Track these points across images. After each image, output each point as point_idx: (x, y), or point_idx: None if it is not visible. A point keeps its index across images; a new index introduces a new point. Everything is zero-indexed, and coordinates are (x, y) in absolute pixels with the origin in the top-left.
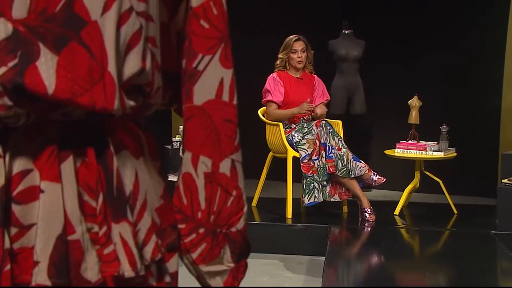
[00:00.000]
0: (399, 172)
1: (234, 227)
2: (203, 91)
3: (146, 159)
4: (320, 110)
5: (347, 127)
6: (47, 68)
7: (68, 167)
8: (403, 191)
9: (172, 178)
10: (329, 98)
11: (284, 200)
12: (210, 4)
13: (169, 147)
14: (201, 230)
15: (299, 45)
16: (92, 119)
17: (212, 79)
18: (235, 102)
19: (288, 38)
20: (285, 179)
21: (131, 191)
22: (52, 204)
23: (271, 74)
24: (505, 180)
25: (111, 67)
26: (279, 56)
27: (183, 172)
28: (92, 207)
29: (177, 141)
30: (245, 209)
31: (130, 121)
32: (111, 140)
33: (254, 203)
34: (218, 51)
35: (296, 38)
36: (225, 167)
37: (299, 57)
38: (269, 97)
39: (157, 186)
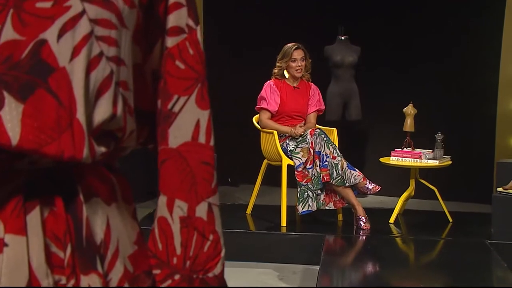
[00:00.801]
0: (395, 178)
1: (211, 272)
2: (178, 133)
3: (119, 204)
4: (300, 130)
5: (343, 133)
6: (11, 117)
7: (34, 218)
8: (399, 197)
9: None
10: (323, 108)
11: (279, 207)
12: (186, 44)
13: None
14: (177, 277)
15: (298, 54)
16: (61, 166)
17: (188, 121)
18: (212, 143)
19: (287, 46)
20: (280, 185)
21: (102, 240)
22: (16, 258)
23: (268, 81)
24: (500, 189)
25: (80, 114)
26: (278, 64)
27: (158, 216)
28: (60, 258)
29: None
30: (223, 253)
31: (102, 167)
32: (81, 188)
33: (248, 210)
34: (194, 92)
35: (296, 46)
36: (201, 211)
37: (298, 66)
38: (263, 105)
39: (130, 232)
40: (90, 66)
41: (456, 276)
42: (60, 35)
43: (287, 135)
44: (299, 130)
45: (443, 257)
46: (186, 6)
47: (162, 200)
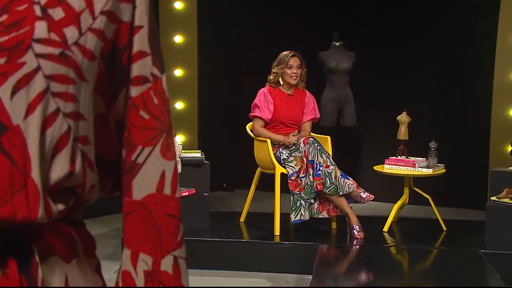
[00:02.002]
0: (390, 184)
1: None
2: (142, 185)
3: (80, 260)
4: (293, 139)
5: (337, 139)
6: None
7: None
8: (394, 202)
9: None
10: (318, 116)
11: (273, 215)
12: (150, 93)
13: None
14: None
15: (294, 61)
16: (16, 226)
17: (152, 172)
18: (177, 195)
19: (283, 53)
20: (274, 190)
21: None
22: None
23: (262, 89)
24: (493, 198)
25: (35, 174)
26: (273, 70)
27: (122, 270)
28: None
29: None
30: None
31: (61, 223)
32: (37, 247)
33: (242, 218)
34: (159, 143)
35: (292, 54)
36: (166, 264)
37: (294, 73)
38: (257, 113)
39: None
40: (46, 123)
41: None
42: (13, 92)
43: (280, 143)
44: (292, 139)
45: (436, 267)
46: (151, 55)
47: (126, 253)
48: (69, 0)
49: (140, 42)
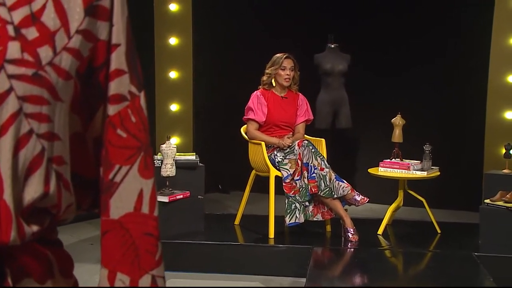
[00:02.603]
0: (385, 185)
1: None
2: (120, 204)
3: (56, 280)
4: (287, 141)
5: (332, 141)
6: None
7: None
8: (389, 204)
9: None
10: (312, 118)
11: (267, 217)
12: (128, 112)
13: None
14: None
15: (288, 63)
16: None
17: (130, 191)
18: (155, 213)
19: (277, 55)
20: (269, 192)
21: None
22: None
23: (255, 92)
24: (487, 200)
25: (7, 195)
26: (267, 71)
27: None
28: None
29: (158, 160)
30: None
31: (35, 243)
32: (10, 270)
33: (237, 221)
34: (136, 161)
35: (286, 55)
36: (144, 283)
37: (287, 74)
38: (251, 116)
39: None
40: (19, 145)
41: None
42: None
43: (275, 146)
44: (286, 141)
45: (430, 270)
46: (129, 73)
47: (104, 273)
48: (44, 20)
49: (118, 60)
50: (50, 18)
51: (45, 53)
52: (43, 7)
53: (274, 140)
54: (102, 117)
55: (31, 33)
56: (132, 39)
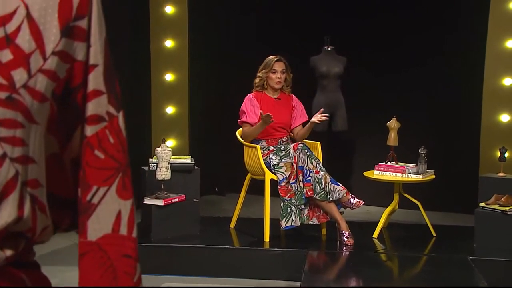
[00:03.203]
0: (381, 188)
1: None
2: (98, 226)
3: None
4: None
5: (329, 144)
6: None
7: None
8: (386, 206)
9: (148, 201)
10: (307, 119)
11: (263, 220)
12: (106, 133)
13: (145, 168)
14: None
15: (279, 66)
16: None
17: (108, 213)
18: (134, 235)
19: (269, 58)
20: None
21: None
22: None
23: (248, 95)
24: (482, 204)
25: None
26: (258, 74)
27: None
28: None
29: (153, 163)
30: None
31: (9, 267)
32: None
33: (232, 224)
34: (115, 182)
35: (277, 58)
36: None
37: (278, 77)
38: (244, 118)
39: None
40: None
41: None
42: None
43: (270, 149)
44: (264, 117)
45: (425, 274)
46: (107, 93)
47: None
48: (19, 42)
49: (95, 80)
50: (25, 40)
51: (19, 75)
52: (18, 28)
53: (258, 124)
54: (80, 138)
55: (5, 55)
56: (110, 59)
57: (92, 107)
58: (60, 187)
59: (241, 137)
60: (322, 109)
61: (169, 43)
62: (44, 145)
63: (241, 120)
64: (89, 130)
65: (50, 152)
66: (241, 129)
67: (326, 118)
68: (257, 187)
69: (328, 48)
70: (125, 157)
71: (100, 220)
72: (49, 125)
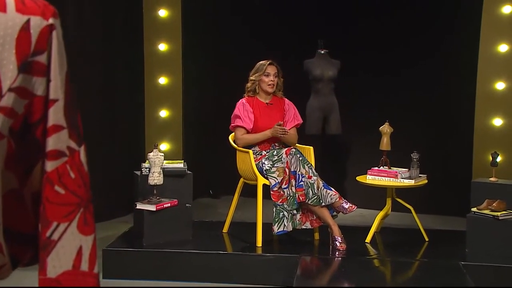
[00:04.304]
0: (375, 191)
1: None
2: (58, 263)
3: None
4: (280, 130)
5: (323, 147)
6: None
7: None
8: (380, 209)
9: (140, 206)
10: (301, 122)
11: (256, 225)
12: (66, 168)
13: (138, 173)
14: None
15: (272, 69)
16: None
17: (68, 249)
18: (96, 270)
19: (260, 62)
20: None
21: None
22: None
23: (240, 100)
24: (474, 209)
25: None
26: (251, 78)
27: None
28: None
29: (146, 168)
30: None
31: None
32: None
33: (225, 229)
34: (75, 218)
35: (270, 62)
36: None
37: (271, 80)
38: (238, 123)
39: None
40: None
41: None
42: None
43: (263, 153)
44: (278, 128)
45: (416, 280)
46: (67, 128)
47: None
48: None
49: (56, 115)
50: None
51: None
52: None
53: (267, 132)
54: (40, 173)
55: None
56: (72, 93)
57: (52, 142)
58: (20, 222)
59: (235, 141)
60: (280, 122)
61: (162, 47)
62: (1, 182)
63: (235, 124)
64: (49, 166)
65: (8, 188)
66: (233, 133)
67: (285, 132)
68: (251, 189)
69: (322, 52)
70: (86, 191)
71: (60, 256)
72: (6, 161)
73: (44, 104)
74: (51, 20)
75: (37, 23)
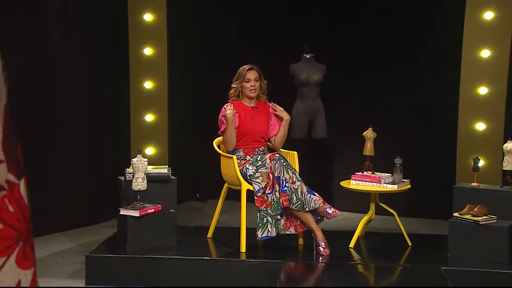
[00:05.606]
0: (360, 195)
1: None
2: None
3: None
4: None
5: (309, 151)
6: None
7: None
8: (365, 213)
9: (123, 212)
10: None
11: (240, 229)
12: (5, 202)
13: (122, 178)
14: None
15: (252, 74)
16: None
17: (6, 283)
18: None
19: (241, 68)
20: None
21: None
22: None
23: (225, 105)
24: (456, 214)
25: None
26: (232, 85)
27: None
28: None
29: (129, 173)
30: None
31: None
32: None
33: (209, 234)
34: (14, 252)
35: (249, 67)
36: None
37: (252, 85)
38: (223, 128)
39: None
40: None
41: None
42: None
43: (247, 159)
44: (227, 110)
45: (399, 285)
46: (6, 161)
47: None
48: None
49: None
50: None
51: None
52: None
53: (227, 125)
54: None
55: None
56: (11, 126)
57: None
58: None
59: (221, 144)
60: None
61: (148, 51)
62: None
63: (222, 130)
64: None
65: None
66: (219, 138)
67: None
68: (237, 193)
69: (308, 56)
70: (26, 225)
71: None
72: None
73: None
74: None
75: None
